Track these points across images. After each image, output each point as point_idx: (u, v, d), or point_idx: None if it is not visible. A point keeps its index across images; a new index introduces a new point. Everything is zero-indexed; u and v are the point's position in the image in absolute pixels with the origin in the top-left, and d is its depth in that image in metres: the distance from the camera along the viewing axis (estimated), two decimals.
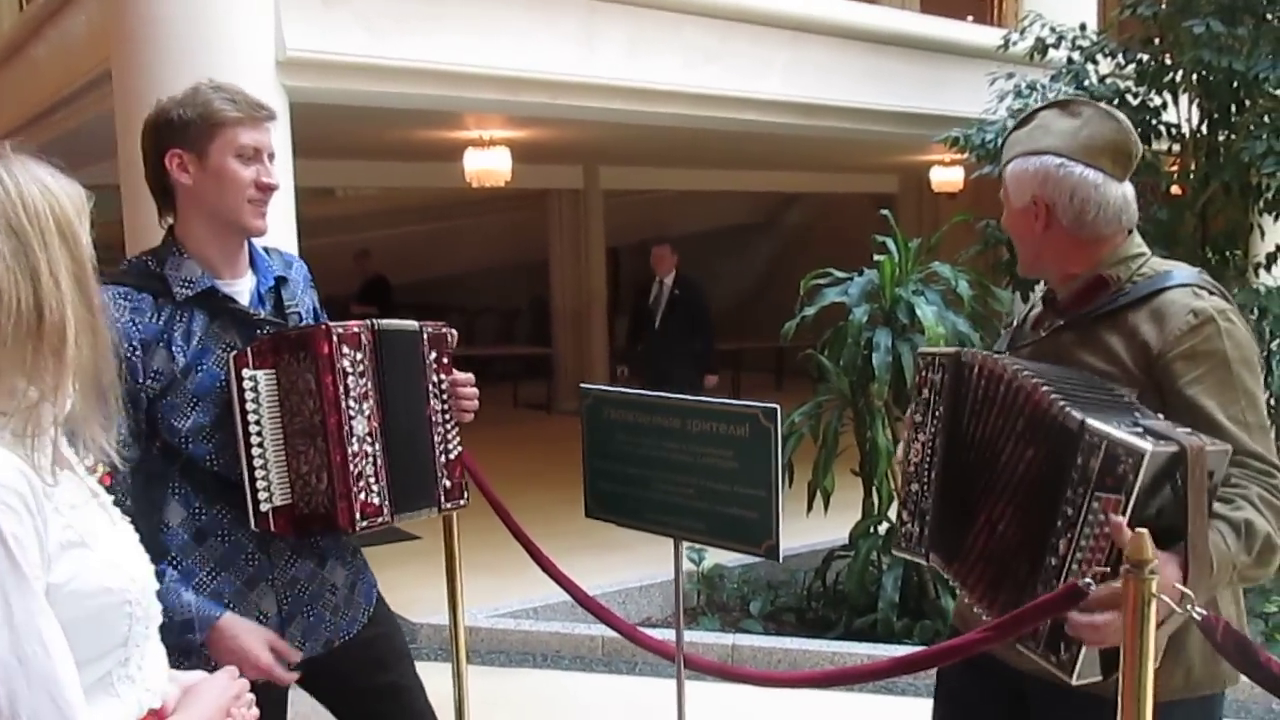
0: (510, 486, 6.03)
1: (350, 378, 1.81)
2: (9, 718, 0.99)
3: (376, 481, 1.85)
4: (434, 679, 2.35)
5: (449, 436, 2.03)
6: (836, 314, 4.58)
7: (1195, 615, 1.43)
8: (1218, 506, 1.44)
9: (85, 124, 5.49)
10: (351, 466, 1.80)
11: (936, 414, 1.73)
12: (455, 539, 2.61)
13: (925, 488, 1.74)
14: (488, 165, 7.40)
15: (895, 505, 1.83)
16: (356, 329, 1.84)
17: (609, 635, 4.24)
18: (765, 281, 12.87)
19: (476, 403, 2.08)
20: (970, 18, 7.72)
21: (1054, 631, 1.46)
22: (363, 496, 1.82)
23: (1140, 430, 1.38)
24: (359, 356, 1.84)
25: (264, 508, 1.80)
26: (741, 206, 13.33)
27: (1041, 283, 1.94)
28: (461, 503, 2.08)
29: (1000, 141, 1.80)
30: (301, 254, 2.30)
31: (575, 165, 10.14)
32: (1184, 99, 5.22)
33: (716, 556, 4.91)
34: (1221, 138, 5.15)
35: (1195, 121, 5.23)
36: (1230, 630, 1.46)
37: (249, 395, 1.77)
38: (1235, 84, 4.87)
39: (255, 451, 1.78)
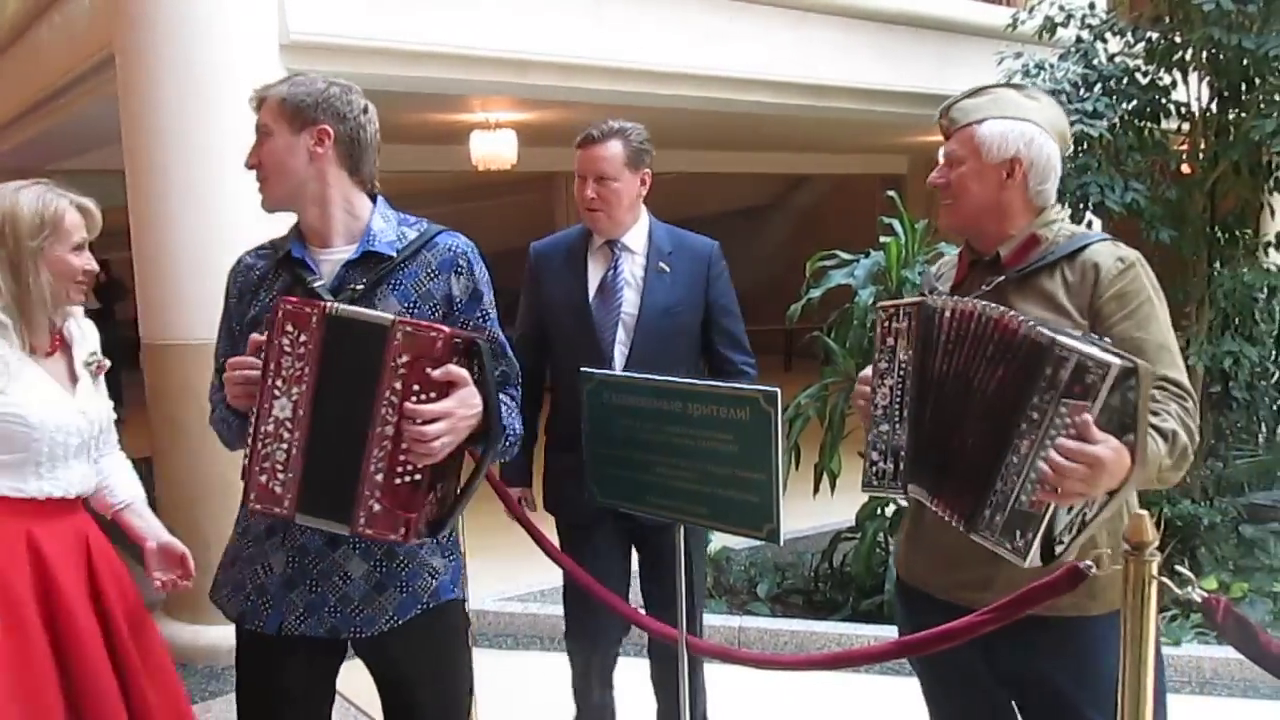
0: None
1: (286, 357, 1.73)
2: None
3: (283, 471, 1.75)
4: None
5: (400, 458, 1.72)
6: (844, 296, 4.56)
7: (1197, 597, 1.46)
8: (1150, 419, 1.63)
9: (89, 108, 5.49)
10: (260, 445, 1.75)
11: (904, 357, 1.85)
12: (461, 522, 2.61)
13: (896, 426, 1.85)
14: (494, 149, 7.39)
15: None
16: (308, 309, 1.74)
17: None
18: (774, 263, 12.82)
19: (439, 443, 1.70)
20: None
21: (1011, 519, 1.60)
22: (263, 479, 1.74)
23: (1100, 348, 1.55)
24: (302, 338, 1.73)
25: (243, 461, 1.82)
26: (750, 188, 13.28)
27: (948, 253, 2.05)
28: (392, 537, 1.74)
29: (945, 108, 2.07)
30: None
31: None
32: (1194, 77, 5.17)
33: (724, 539, 4.91)
34: (1231, 116, 5.09)
35: (1205, 100, 5.17)
36: (1230, 610, 1.46)
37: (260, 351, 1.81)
38: (1245, 62, 4.82)
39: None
